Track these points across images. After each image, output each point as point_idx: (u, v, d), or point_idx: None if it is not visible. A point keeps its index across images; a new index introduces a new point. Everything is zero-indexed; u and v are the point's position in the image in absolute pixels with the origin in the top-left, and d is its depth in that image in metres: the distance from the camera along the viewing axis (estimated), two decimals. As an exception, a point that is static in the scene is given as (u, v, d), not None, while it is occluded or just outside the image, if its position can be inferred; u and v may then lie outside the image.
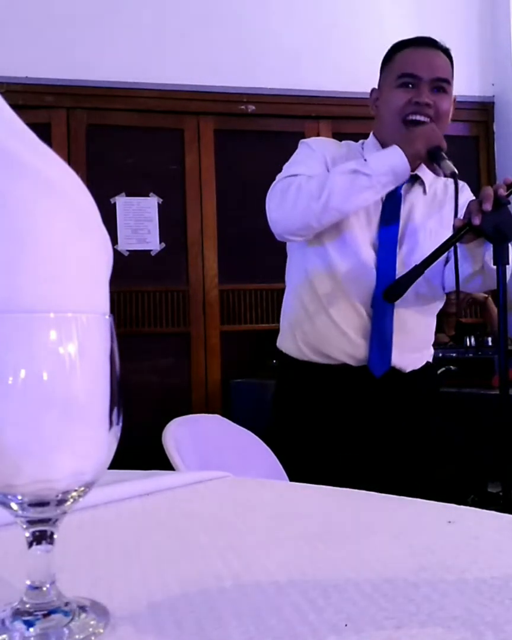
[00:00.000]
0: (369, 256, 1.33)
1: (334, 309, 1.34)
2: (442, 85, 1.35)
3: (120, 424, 0.33)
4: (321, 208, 1.23)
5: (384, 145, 1.36)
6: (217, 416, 1.14)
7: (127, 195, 3.19)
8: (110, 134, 3.23)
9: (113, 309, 0.33)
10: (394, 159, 1.25)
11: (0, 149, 0.30)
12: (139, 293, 3.23)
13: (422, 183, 1.39)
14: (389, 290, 1.23)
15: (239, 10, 3.25)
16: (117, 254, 3.01)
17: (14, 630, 0.30)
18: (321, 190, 1.23)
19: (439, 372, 1.92)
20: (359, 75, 3.66)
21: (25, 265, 0.31)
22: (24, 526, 0.31)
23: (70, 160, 3.26)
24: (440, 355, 2.16)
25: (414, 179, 1.38)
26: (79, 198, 0.33)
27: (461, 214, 1.30)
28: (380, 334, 1.33)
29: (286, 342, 1.41)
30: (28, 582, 0.31)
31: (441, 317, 3.37)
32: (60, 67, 3.12)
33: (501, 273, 1.18)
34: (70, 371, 0.30)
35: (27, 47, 3.09)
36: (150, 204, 3.19)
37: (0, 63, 3.02)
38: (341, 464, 1.29)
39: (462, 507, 0.50)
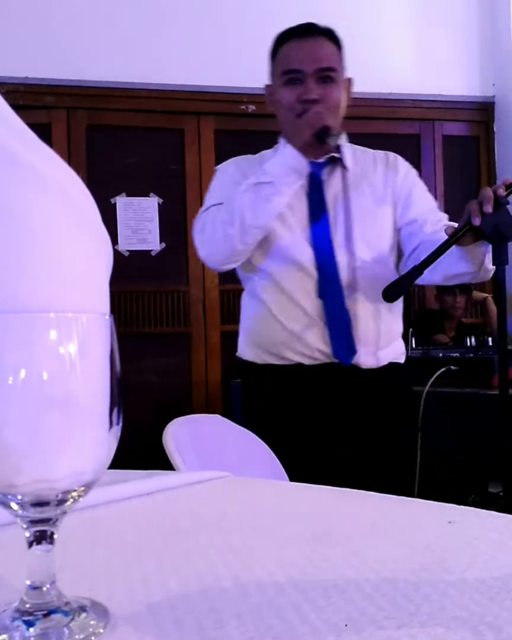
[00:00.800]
0: (307, 256, 1.31)
1: (283, 315, 1.32)
2: (328, 74, 1.30)
3: (121, 423, 0.33)
4: (238, 231, 1.24)
5: (289, 140, 1.32)
6: (217, 416, 1.14)
7: (128, 195, 3.19)
8: (110, 134, 3.24)
9: (113, 309, 0.33)
10: (287, 157, 1.24)
11: (0, 149, 0.30)
12: (140, 293, 3.23)
13: (343, 165, 1.36)
14: (387, 291, 1.23)
15: (239, 11, 3.25)
16: (117, 254, 3.01)
17: (14, 630, 0.30)
18: (232, 214, 1.24)
19: (439, 372, 1.92)
20: (359, 76, 3.66)
21: (26, 266, 0.31)
22: (24, 526, 0.31)
23: (70, 161, 3.26)
24: (440, 355, 2.16)
25: (334, 162, 1.35)
26: (79, 198, 0.33)
27: (355, 189, 1.29)
28: (336, 322, 1.30)
29: (243, 348, 1.41)
30: (28, 582, 0.31)
31: (442, 318, 3.38)
32: (60, 67, 3.12)
33: (500, 273, 1.18)
34: (71, 371, 0.30)
35: (27, 47, 3.09)
36: (150, 204, 3.20)
37: (0, 63, 3.02)
38: (298, 466, 1.26)
39: (462, 507, 0.50)
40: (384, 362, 1.36)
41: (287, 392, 1.34)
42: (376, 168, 1.40)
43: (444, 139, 3.69)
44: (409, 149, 3.68)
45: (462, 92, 3.67)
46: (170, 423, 0.96)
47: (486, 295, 3.43)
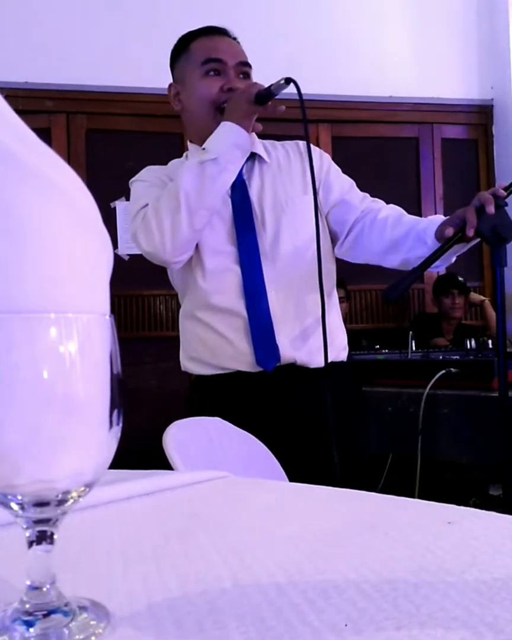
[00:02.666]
0: (232, 258, 1.27)
1: (216, 322, 1.28)
2: (246, 70, 1.29)
3: (121, 424, 0.33)
4: (186, 216, 1.17)
5: (203, 139, 1.27)
6: (217, 419, 1.13)
7: (127, 199, 3.19)
8: (110, 138, 3.25)
9: (113, 313, 0.33)
10: (229, 133, 1.19)
11: (0, 149, 0.30)
12: (140, 297, 3.23)
13: (261, 159, 1.34)
14: (387, 292, 1.23)
15: (237, 15, 3.26)
16: (117, 258, 3.01)
17: (14, 630, 0.30)
18: (177, 199, 1.17)
19: (439, 374, 1.92)
20: (358, 79, 3.67)
21: (26, 266, 0.31)
22: (24, 526, 0.31)
23: (69, 165, 3.27)
24: (440, 357, 2.16)
25: (252, 157, 1.33)
26: (79, 197, 0.33)
27: (276, 182, 1.25)
28: (257, 323, 1.25)
29: (184, 361, 1.38)
30: (28, 582, 0.31)
31: (440, 321, 3.39)
32: (60, 72, 3.14)
33: (498, 275, 1.18)
34: (71, 371, 0.30)
35: (26, 52, 3.11)
36: (150, 208, 3.20)
37: (0, 68, 3.04)
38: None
39: (462, 507, 0.50)
40: (328, 360, 1.29)
41: (230, 402, 1.28)
42: (289, 158, 1.37)
43: (443, 142, 3.70)
44: (409, 152, 3.69)
45: (461, 95, 3.69)
46: (170, 426, 0.96)
47: (483, 298, 3.44)
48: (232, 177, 1.21)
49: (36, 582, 0.31)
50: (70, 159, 3.13)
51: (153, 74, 3.27)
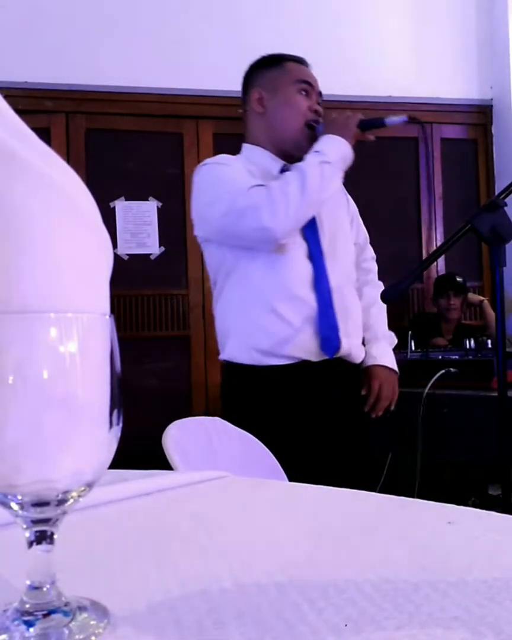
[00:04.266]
0: (304, 250, 1.39)
1: (285, 308, 1.36)
2: (320, 100, 1.48)
3: (121, 424, 0.33)
4: (307, 204, 1.32)
5: (276, 144, 1.45)
6: (217, 419, 1.13)
7: (127, 199, 3.19)
8: (109, 138, 3.24)
9: (113, 313, 0.33)
10: (342, 145, 1.37)
11: (0, 149, 0.30)
12: (139, 297, 3.23)
13: None
14: (387, 292, 1.24)
15: (237, 15, 3.26)
16: (116, 258, 3.01)
17: (14, 630, 0.30)
18: (303, 188, 1.31)
19: (438, 374, 1.92)
20: (357, 79, 3.67)
21: (26, 265, 0.31)
22: (24, 526, 0.31)
23: (69, 165, 3.27)
24: (440, 357, 2.16)
25: None
26: (79, 198, 0.33)
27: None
28: (325, 313, 1.37)
29: (235, 352, 1.43)
30: (28, 582, 0.31)
31: (439, 321, 3.38)
32: (60, 71, 3.13)
33: (497, 276, 1.18)
34: (71, 371, 0.30)
35: (26, 51, 3.10)
36: (149, 208, 3.20)
37: (0, 68, 3.03)
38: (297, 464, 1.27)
39: (461, 507, 0.50)
40: (363, 356, 1.47)
41: (287, 391, 1.37)
42: None
43: (442, 142, 3.70)
44: (408, 151, 3.69)
45: (460, 95, 3.69)
46: (170, 426, 0.96)
47: (482, 298, 3.44)
48: (339, 184, 1.39)
49: (36, 582, 0.31)
50: (70, 159, 3.13)
51: (153, 74, 3.28)
